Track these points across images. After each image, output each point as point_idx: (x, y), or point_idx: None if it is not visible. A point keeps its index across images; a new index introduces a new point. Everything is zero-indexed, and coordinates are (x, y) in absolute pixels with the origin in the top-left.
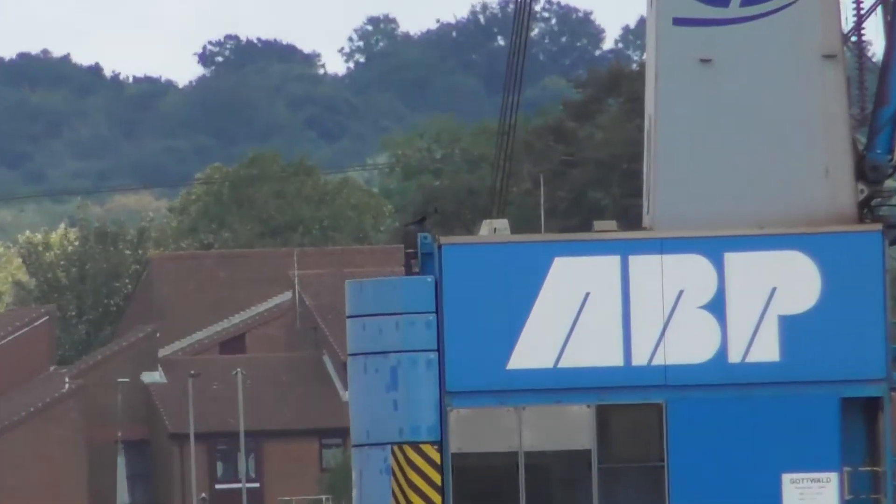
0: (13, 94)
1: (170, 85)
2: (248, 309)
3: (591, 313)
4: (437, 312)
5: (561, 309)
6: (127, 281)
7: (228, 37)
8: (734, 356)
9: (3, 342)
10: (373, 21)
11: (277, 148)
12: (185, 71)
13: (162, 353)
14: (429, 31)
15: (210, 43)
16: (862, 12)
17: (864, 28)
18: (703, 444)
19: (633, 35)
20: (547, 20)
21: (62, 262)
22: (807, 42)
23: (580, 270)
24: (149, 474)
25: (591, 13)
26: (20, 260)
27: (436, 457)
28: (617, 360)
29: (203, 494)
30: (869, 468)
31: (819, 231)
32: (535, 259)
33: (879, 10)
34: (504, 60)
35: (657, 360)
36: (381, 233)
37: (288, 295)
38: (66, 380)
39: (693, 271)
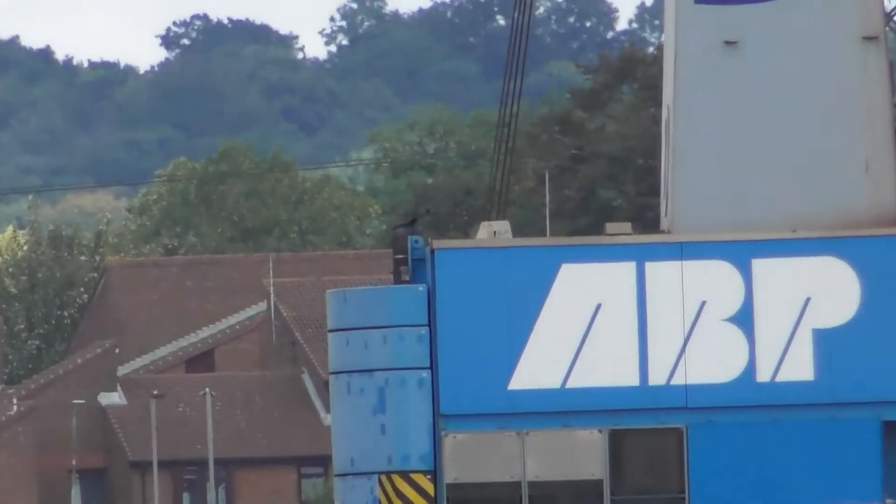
0: None
1: (129, 71)
2: (218, 322)
3: (602, 327)
4: (429, 325)
5: (569, 322)
6: (82, 290)
7: (195, 16)
8: (763, 375)
9: None
10: None
11: (250, 141)
12: (146, 55)
13: (121, 371)
14: (421, 11)
15: (174, 23)
16: None
17: None
18: (729, 474)
19: (650, 15)
20: None
21: (10, 269)
22: (845, 22)
23: (590, 279)
24: None
25: None
26: None
27: (429, 488)
28: (632, 379)
29: None
30: None
31: (858, 234)
32: (540, 266)
33: None
34: (505, 43)
35: (677, 380)
36: (366, 236)
37: (263, 306)
38: (15, 401)
39: (717, 280)
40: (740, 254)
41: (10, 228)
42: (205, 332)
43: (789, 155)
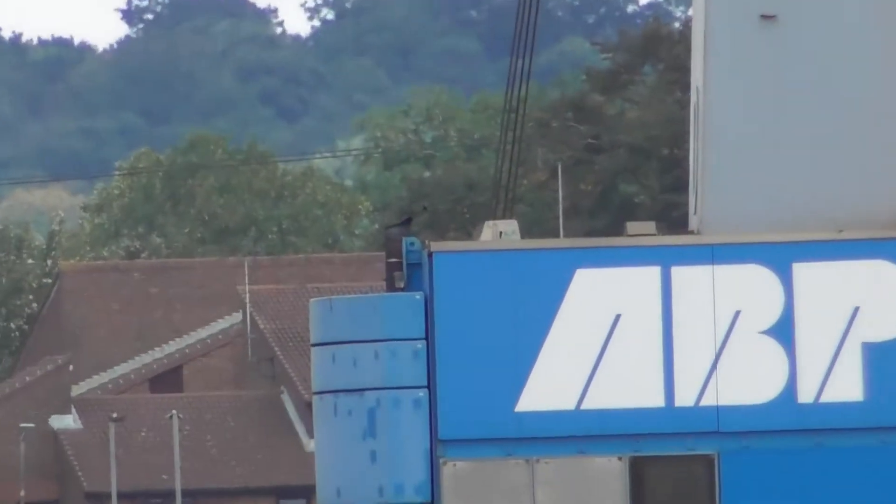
0: None
1: (86, 49)
2: (187, 335)
3: (622, 340)
4: (427, 339)
5: (584, 335)
6: (32, 298)
7: None
8: (805, 395)
9: None
10: None
11: (223, 129)
12: (105, 32)
13: (76, 391)
14: None
15: None
16: None
17: None
18: None
19: None
20: None
21: None
22: None
23: (609, 286)
24: None
25: None
26: None
27: None
28: (656, 399)
29: None
30: None
31: None
32: (552, 271)
33: None
34: (511, 17)
35: (707, 401)
36: (355, 237)
37: (237, 317)
38: None
39: (753, 287)
40: (779, 257)
41: None
42: (171, 347)
43: (835, 145)
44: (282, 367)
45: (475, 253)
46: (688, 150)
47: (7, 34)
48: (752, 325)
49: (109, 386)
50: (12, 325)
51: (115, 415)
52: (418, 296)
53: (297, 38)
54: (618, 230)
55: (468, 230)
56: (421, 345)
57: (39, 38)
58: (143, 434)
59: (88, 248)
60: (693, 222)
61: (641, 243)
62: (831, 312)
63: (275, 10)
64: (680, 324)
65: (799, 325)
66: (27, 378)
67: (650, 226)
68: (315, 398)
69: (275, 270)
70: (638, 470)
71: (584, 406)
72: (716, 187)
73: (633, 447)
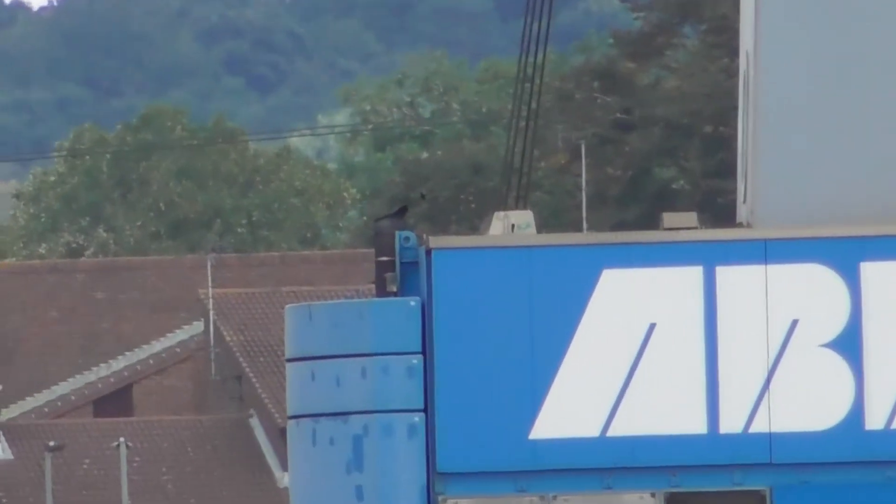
0: None
1: (18, 8)
2: (138, 349)
3: (657, 354)
4: (424, 353)
5: (612, 348)
6: None
7: None
8: (874, 421)
9: None
10: None
11: (182, 102)
12: None
13: (6, 414)
14: None
15: None
16: None
17: None
18: None
19: None
20: None
21: None
22: None
23: (642, 289)
24: None
25: None
26: None
27: None
28: (697, 425)
29: None
30: None
31: None
32: (575, 272)
33: None
34: None
35: (758, 427)
36: (339, 231)
37: (198, 327)
38: None
39: (813, 290)
40: (845, 255)
41: None
42: (120, 363)
43: None
44: (251, 387)
45: (482, 250)
46: (735, 128)
47: None
48: (812, 336)
49: (46, 409)
50: None
51: (52, 443)
52: (414, 301)
53: None
54: (652, 223)
55: (474, 223)
56: (417, 360)
57: None
58: (85, 466)
59: (21, 245)
60: (742, 213)
61: (680, 238)
62: None
63: None
64: (726, 335)
65: (867, 336)
66: None
67: (691, 217)
68: (290, 424)
69: (243, 271)
70: None
71: (610, 433)
72: (769, 172)
73: (670, 482)
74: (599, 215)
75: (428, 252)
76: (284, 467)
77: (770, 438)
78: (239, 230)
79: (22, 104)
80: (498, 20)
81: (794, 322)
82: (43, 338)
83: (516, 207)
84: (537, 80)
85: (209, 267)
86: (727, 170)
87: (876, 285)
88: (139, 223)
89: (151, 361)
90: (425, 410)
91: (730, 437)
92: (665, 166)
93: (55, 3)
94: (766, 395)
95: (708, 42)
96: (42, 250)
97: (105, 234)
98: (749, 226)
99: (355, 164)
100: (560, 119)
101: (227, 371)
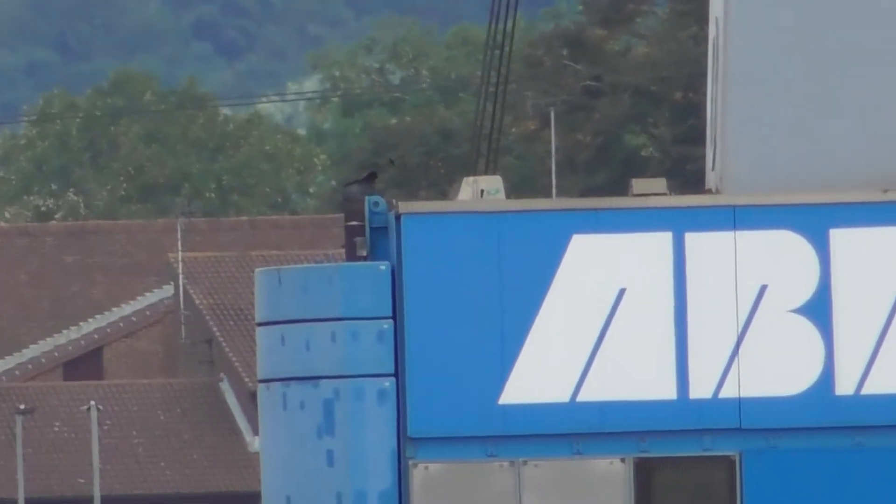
0: None
1: None
2: (108, 311)
3: (627, 320)
4: (394, 318)
5: (582, 313)
6: None
7: None
8: (844, 386)
9: None
10: None
11: (152, 67)
12: None
13: None
14: None
15: None
16: None
17: None
18: None
19: None
20: None
21: None
22: None
23: (611, 255)
24: None
25: None
26: None
27: None
28: (666, 391)
29: None
30: None
31: None
32: (544, 237)
33: None
34: None
35: (727, 392)
36: (308, 196)
37: (168, 290)
38: None
39: (782, 256)
40: (814, 222)
41: None
42: (90, 326)
43: (884, 90)
44: (221, 351)
45: (451, 215)
46: (705, 95)
47: None
48: (781, 302)
49: (16, 372)
50: None
51: (22, 406)
52: (384, 266)
53: None
54: (622, 189)
55: (443, 188)
56: (387, 325)
57: None
58: (55, 429)
59: None
60: (711, 179)
61: (649, 204)
62: (875, 287)
63: None
64: (695, 301)
65: (837, 302)
66: None
67: (660, 183)
68: (260, 387)
69: (213, 235)
70: (644, 473)
71: (580, 398)
72: (739, 138)
73: (639, 447)
74: (569, 181)
75: (397, 217)
76: (255, 431)
77: (739, 404)
78: (208, 195)
79: None
80: None
81: (764, 288)
82: (13, 301)
83: (486, 173)
84: (507, 47)
85: (179, 231)
86: (696, 136)
87: (845, 252)
88: (109, 187)
89: (122, 325)
90: (396, 375)
91: (699, 403)
92: (634, 133)
93: None
94: (736, 360)
95: (677, 9)
96: (9, 214)
97: (75, 198)
98: (718, 192)
99: (324, 130)
100: (530, 85)
101: (197, 334)
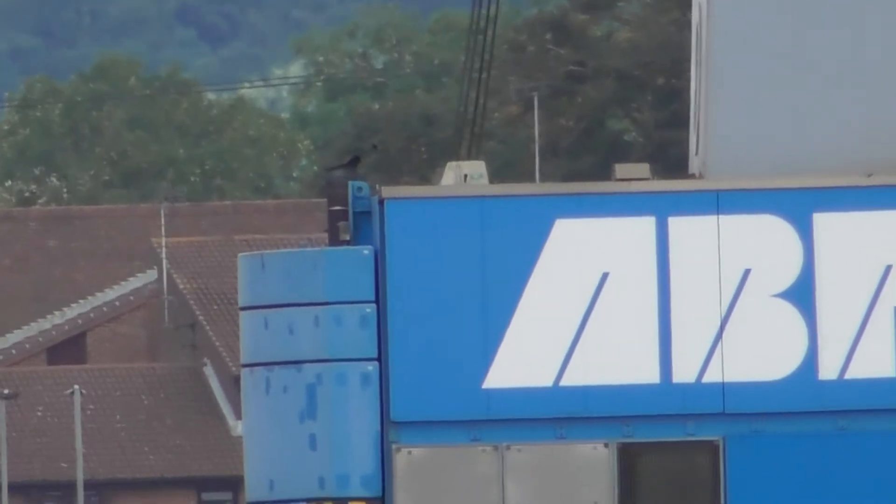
0: None
1: None
2: (92, 297)
3: (610, 304)
4: (377, 302)
5: (565, 298)
6: None
7: None
8: (827, 370)
9: None
10: None
11: (135, 53)
12: None
13: None
14: None
15: None
16: None
17: None
18: (780, 501)
19: None
20: None
21: None
22: None
23: (594, 239)
24: None
25: None
26: None
27: None
28: (650, 375)
29: None
30: None
31: None
32: (527, 222)
33: None
34: None
35: (711, 376)
36: (292, 181)
37: (151, 275)
38: None
39: (766, 241)
40: (798, 206)
41: None
42: (73, 311)
43: (866, 75)
44: (204, 335)
45: (434, 200)
46: (688, 80)
47: None
48: (765, 286)
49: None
50: None
51: (5, 391)
52: (367, 250)
53: None
54: (605, 174)
55: (426, 173)
56: (370, 309)
57: None
58: (38, 413)
59: None
60: (694, 164)
61: (633, 189)
62: (859, 272)
63: None
64: (679, 285)
65: (820, 286)
66: None
67: (643, 168)
68: (244, 372)
69: (196, 220)
70: (628, 458)
71: (563, 382)
72: (722, 123)
73: (623, 432)
74: (552, 166)
75: (381, 202)
76: (238, 415)
77: (723, 388)
78: (192, 179)
79: None
80: None
81: (747, 272)
82: None
83: (469, 157)
84: (490, 32)
85: (162, 215)
86: (680, 121)
87: (828, 236)
88: (92, 172)
89: (105, 309)
90: (378, 359)
91: (683, 387)
92: (618, 118)
93: None
94: (719, 345)
95: None
96: None
97: (57, 183)
98: (701, 177)
99: (308, 114)
100: (513, 70)
101: (180, 319)
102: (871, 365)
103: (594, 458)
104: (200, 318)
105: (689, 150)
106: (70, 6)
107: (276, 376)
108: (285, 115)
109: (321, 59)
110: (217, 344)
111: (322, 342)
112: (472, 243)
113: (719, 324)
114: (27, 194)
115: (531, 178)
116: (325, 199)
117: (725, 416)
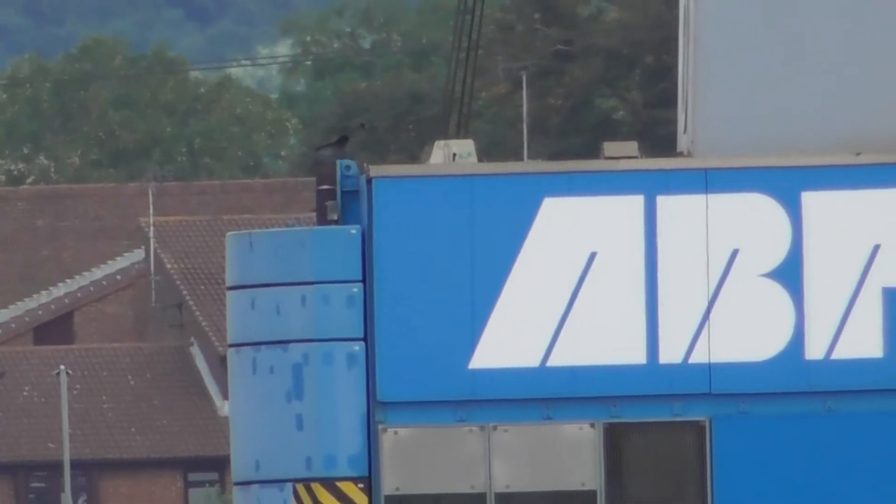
0: None
1: None
2: (79, 276)
3: (598, 284)
4: (364, 282)
5: (553, 277)
6: None
7: None
8: (814, 350)
9: None
10: None
11: (123, 33)
12: None
13: None
14: None
15: None
16: None
17: None
18: (767, 482)
19: None
20: None
21: None
22: None
23: (582, 218)
24: None
25: None
26: None
27: (361, 501)
28: (637, 355)
29: None
30: None
31: None
32: (515, 200)
33: None
34: None
35: (698, 357)
36: (279, 160)
37: (139, 254)
38: None
39: (754, 220)
40: (786, 185)
41: None
42: (60, 290)
43: (854, 54)
44: (191, 315)
45: (422, 179)
46: (676, 58)
47: None
48: (753, 266)
49: None
50: None
51: None
52: (354, 230)
53: None
54: (593, 153)
55: (414, 152)
56: (357, 288)
57: None
58: (25, 393)
59: None
60: (683, 143)
61: (621, 167)
62: (847, 251)
63: None
64: (666, 264)
65: (808, 266)
66: None
67: (631, 146)
68: (231, 352)
69: (184, 199)
70: (615, 438)
71: (550, 363)
72: (710, 102)
73: (610, 412)
74: (540, 145)
75: (369, 181)
76: (225, 395)
77: (710, 369)
78: (179, 158)
79: None
80: None
81: (735, 252)
82: None
83: (457, 136)
84: (478, 12)
85: (150, 195)
86: (668, 100)
87: (817, 215)
88: (80, 151)
89: (92, 289)
90: (365, 339)
91: (669, 368)
92: (606, 96)
93: None
94: (706, 325)
95: None
96: None
97: (45, 162)
98: (690, 155)
99: (296, 93)
100: (501, 50)
101: (167, 299)
102: (858, 345)
103: (581, 438)
104: (187, 297)
105: (677, 129)
106: None
107: (263, 356)
108: (273, 95)
109: (309, 38)
110: (204, 324)
111: (309, 322)
112: (459, 222)
113: (706, 304)
114: (15, 173)
115: (519, 157)
116: (313, 179)
117: (712, 396)
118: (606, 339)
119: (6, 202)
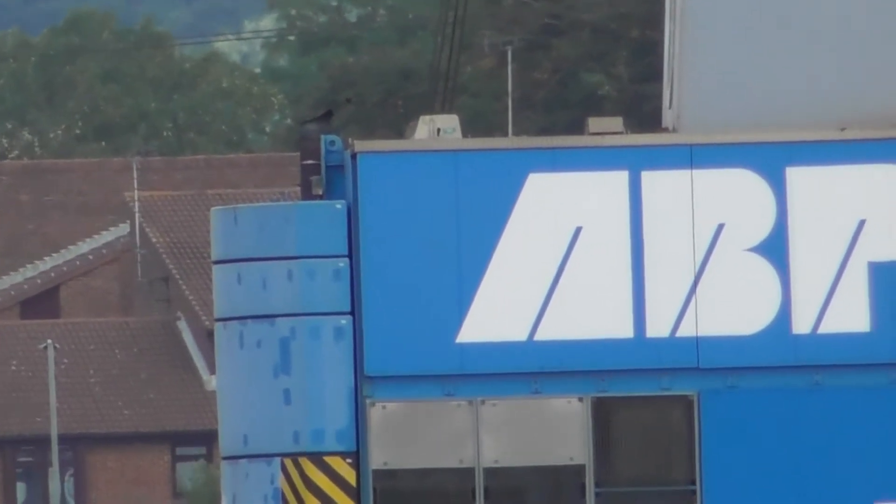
0: None
1: None
2: (65, 250)
3: (583, 258)
4: (350, 256)
5: (538, 251)
6: None
7: None
8: (801, 325)
9: None
10: None
11: (109, 6)
12: None
13: None
14: None
15: None
16: None
17: None
18: (753, 456)
19: None
20: None
21: None
22: None
23: (568, 193)
24: None
25: None
26: None
27: (349, 475)
28: (624, 330)
29: None
30: None
31: None
32: (501, 175)
33: None
34: None
35: (684, 331)
36: (265, 135)
37: (124, 228)
38: None
39: (739, 195)
40: (771, 160)
41: None
42: (46, 265)
43: (839, 29)
44: (178, 289)
45: (408, 154)
46: (663, 32)
47: None
48: (738, 241)
49: None
50: None
51: None
52: (340, 204)
53: None
54: (579, 128)
55: (400, 127)
56: (343, 263)
57: None
58: (12, 368)
59: None
60: (668, 118)
61: (606, 143)
62: (832, 226)
63: None
64: (652, 239)
65: (794, 241)
66: None
67: (617, 122)
68: (217, 326)
69: (169, 174)
70: (602, 413)
71: (537, 337)
72: (695, 77)
73: (597, 386)
74: (526, 120)
75: (353, 156)
76: (212, 370)
77: (697, 343)
78: (165, 133)
79: None
80: None
81: (721, 226)
82: None
83: (442, 111)
84: None
85: (135, 170)
86: (654, 75)
87: (801, 190)
88: (64, 126)
89: (78, 263)
90: (352, 313)
91: (657, 342)
92: (592, 71)
93: None
94: (693, 299)
95: None
96: None
97: (29, 137)
98: (675, 131)
99: (281, 68)
100: (487, 24)
101: (153, 273)
102: (844, 320)
103: (569, 412)
104: (174, 271)
105: (662, 104)
106: None
107: (250, 330)
108: (257, 70)
109: (294, 12)
110: (190, 298)
111: (295, 296)
112: (445, 197)
113: (693, 278)
114: None
115: (504, 132)
116: (299, 154)
117: (700, 370)
118: (594, 314)
119: None
